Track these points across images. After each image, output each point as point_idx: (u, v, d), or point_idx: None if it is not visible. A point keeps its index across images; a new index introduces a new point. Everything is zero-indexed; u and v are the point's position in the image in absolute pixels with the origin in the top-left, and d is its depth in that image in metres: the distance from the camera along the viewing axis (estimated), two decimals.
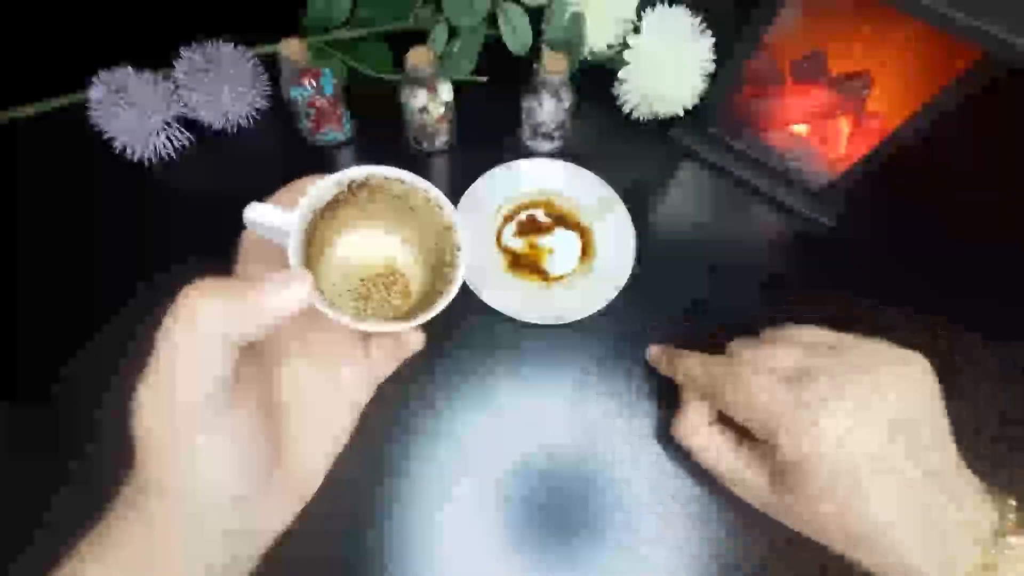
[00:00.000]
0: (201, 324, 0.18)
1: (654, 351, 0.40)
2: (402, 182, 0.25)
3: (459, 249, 0.25)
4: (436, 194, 0.25)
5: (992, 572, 0.26)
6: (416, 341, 0.27)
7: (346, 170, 0.24)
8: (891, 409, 0.28)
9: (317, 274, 0.25)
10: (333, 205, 0.24)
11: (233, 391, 0.20)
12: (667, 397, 0.40)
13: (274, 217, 0.22)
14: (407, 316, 0.24)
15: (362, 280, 0.26)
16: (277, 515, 0.23)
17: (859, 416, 0.28)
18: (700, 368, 0.34)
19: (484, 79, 0.48)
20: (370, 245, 0.27)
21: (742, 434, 0.33)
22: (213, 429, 0.20)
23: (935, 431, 0.28)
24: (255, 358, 0.22)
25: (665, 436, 0.39)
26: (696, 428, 0.35)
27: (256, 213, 0.22)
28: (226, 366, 0.19)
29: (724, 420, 0.34)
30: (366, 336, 0.26)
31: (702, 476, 0.38)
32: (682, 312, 0.43)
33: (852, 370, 0.29)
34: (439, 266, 0.26)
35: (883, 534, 0.27)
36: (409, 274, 0.27)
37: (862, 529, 0.27)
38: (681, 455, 0.39)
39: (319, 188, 0.23)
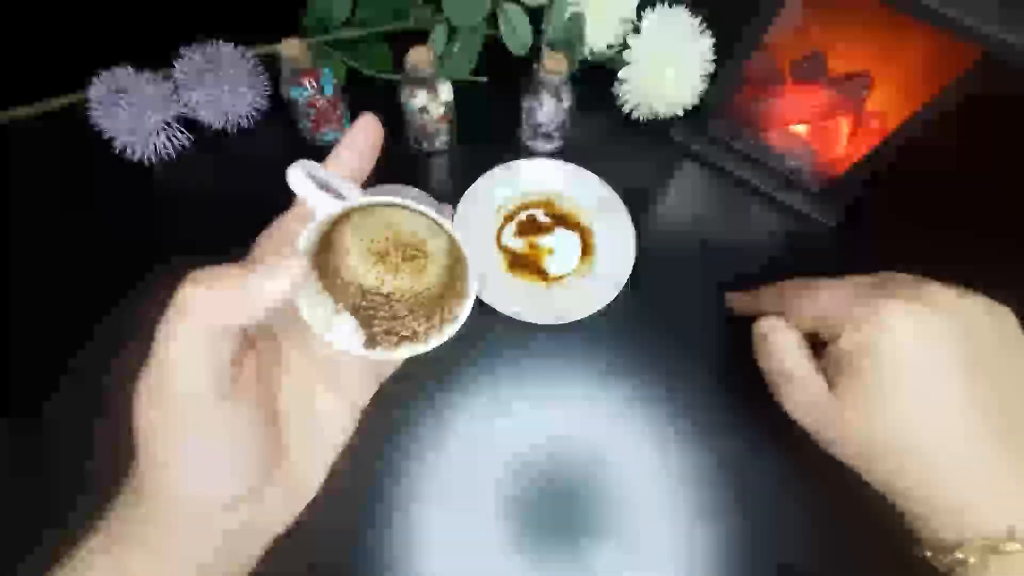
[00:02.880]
0: (192, 314, 0.18)
1: (734, 296, 0.41)
2: (412, 211, 0.22)
3: (468, 293, 0.23)
4: (449, 226, 0.22)
5: (998, 556, 0.24)
6: None
7: (342, 202, 0.21)
8: (969, 332, 0.27)
9: (340, 234, 0.24)
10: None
11: (232, 387, 0.19)
12: (668, 396, 0.40)
13: (312, 197, 0.21)
14: (410, 311, 0.24)
15: (387, 238, 0.25)
16: (277, 516, 0.23)
17: (931, 324, 0.27)
18: (777, 292, 0.35)
19: (484, 79, 0.48)
20: (404, 217, 0.25)
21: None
22: (210, 426, 0.19)
23: (1010, 376, 0.27)
24: (254, 357, 0.22)
25: (665, 436, 0.39)
26: (774, 324, 0.33)
27: (300, 186, 0.21)
28: (220, 357, 0.19)
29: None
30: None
31: (705, 476, 0.38)
32: (682, 312, 0.43)
33: (937, 287, 0.29)
34: (451, 283, 0.25)
35: (913, 452, 0.26)
36: (430, 258, 0.26)
37: (894, 439, 0.26)
38: (682, 456, 0.39)
39: (311, 230, 0.20)
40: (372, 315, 0.24)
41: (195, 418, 0.19)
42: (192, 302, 0.18)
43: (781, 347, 0.32)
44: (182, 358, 0.18)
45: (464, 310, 0.23)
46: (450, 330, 0.23)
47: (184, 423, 0.19)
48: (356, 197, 0.21)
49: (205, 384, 0.19)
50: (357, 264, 0.25)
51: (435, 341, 0.23)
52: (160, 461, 0.20)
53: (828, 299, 0.31)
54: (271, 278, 0.18)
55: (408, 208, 0.20)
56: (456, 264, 0.24)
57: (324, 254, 0.23)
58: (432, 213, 0.21)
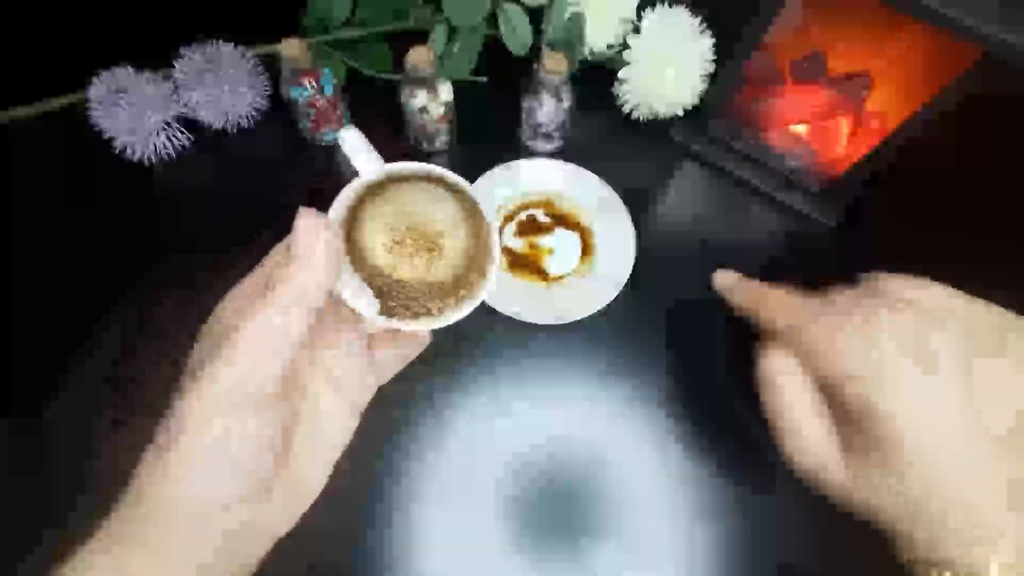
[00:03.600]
0: (267, 314, 0.20)
1: (726, 277, 0.34)
2: (439, 193, 0.24)
3: (491, 264, 0.25)
4: (478, 201, 0.24)
5: None
6: (423, 340, 0.27)
7: (384, 167, 0.23)
8: (968, 332, 0.27)
9: (364, 214, 0.24)
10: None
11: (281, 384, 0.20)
12: (668, 396, 0.40)
13: (358, 159, 0.23)
14: (422, 296, 0.24)
15: (407, 228, 0.26)
16: (277, 516, 0.23)
17: (930, 325, 0.26)
18: (792, 307, 0.30)
19: (484, 79, 0.48)
20: (426, 208, 0.26)
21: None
22: (226, 428, 0.20)
23: (1009, 376, 0.27)
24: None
25: (665, 436, 0.39)
26: (784, 366, 0.30)
27: (351, 147, 0.23)
28: (294, 348, 0.20)
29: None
30: (370, 337, 0.26)
31: (705, 476, 0.38)
32: (682, 312, 0.43)
33: (936, 289, 0.27)
34: (465, 273, 0.25)
35: (913, 452, 0.26)
36: (445, 253, 0.26)
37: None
38: (682, 456, 0.39)
39: (346, 193, 0.22)
40: (386, 292, 0.25)
41: (211, 419, 0.20)
42: (291, 285, 0.20)
43: (785, 397, 0.30)
44: (251, 355, 0.20)
45: (483, 290, 0.24)
46: (468, 307, 0.24)
47: (200, 424, 0.20)
48: (397, 166, 0.23)
49: (263, 380, 0.20)
50: (375, 247, 0.25)
51: (454, 316, 0.24)
52: (163, 460, 0.20)
53: (862, 349, 0.27)
54: (326, 231, 0.20)
55: (440, 179, 0.22)
56: (470, 258, 0.25)
57: (349, 227, 0.24)
58: (462, 182, 0.22)
